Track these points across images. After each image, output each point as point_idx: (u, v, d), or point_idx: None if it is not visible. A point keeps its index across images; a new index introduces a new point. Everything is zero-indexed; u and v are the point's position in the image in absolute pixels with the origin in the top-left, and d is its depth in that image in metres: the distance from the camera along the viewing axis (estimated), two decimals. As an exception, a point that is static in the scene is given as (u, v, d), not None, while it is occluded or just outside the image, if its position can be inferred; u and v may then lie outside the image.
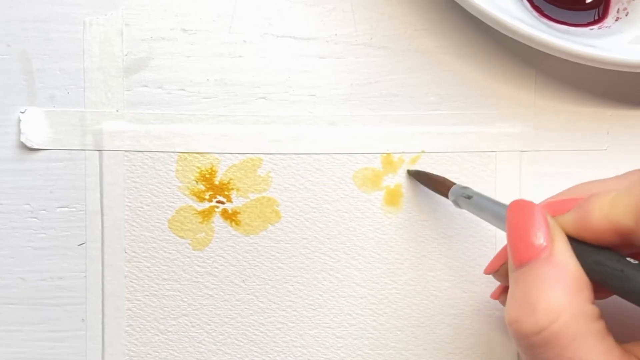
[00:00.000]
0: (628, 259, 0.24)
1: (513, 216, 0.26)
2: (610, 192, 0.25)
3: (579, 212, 0.25)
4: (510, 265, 0.26)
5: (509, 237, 0.26)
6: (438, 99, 0.35)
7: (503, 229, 0.28)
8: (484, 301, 0.35)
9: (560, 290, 0.24)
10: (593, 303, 0.24)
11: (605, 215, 0.24)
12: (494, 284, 0.35)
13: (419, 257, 0.35)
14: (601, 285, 0.25)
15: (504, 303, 0.32)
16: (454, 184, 0.32)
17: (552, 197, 0.29)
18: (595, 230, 0.25)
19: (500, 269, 0.30)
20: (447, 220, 0.35)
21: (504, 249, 0.30)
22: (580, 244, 0.25)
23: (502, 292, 0.32)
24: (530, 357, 0.24)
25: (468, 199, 0.30)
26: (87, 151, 0.35)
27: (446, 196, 0.32)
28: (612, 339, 0.24)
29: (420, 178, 0.34)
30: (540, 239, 0.25)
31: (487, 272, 0.31)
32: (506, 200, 0.35)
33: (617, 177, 0.28)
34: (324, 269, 0.35)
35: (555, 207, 0.27)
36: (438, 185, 0.33)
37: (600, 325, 0.24)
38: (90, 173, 0.35)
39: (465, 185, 0.32)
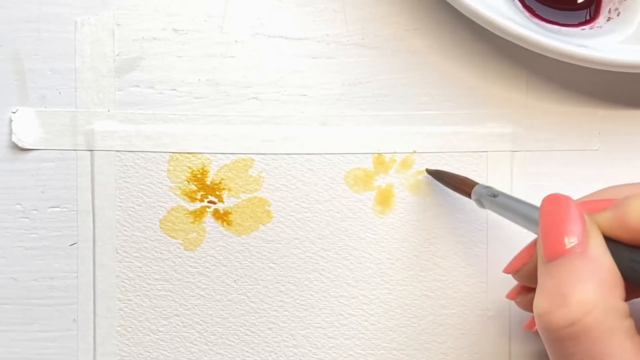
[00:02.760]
0: None
1: (548, 209, 0.25)
2: None
3: (616, 212, 0.25)
4: (541, 258, 0.25)
5: (542, 229, 0.25)
6: (429, 99, 0.34)
7: (530, 229, 0.28)
8: (476, 301, 0.35)
9: (594, 284, 0.23)
10: (625, 301, 0.24)
11: None
12: (485, 284, 0.34)
13: (410, 258, 0.34)
14: (635, 284, 0.24)
15: (521, 305, 0.31)
16: (477, 183, 0.31)
17: (584, 197, 0.29)
18: (632, 230, 0.24)
19: (521, 269, 0.29)
20: (439, 221, 0.34)
21: (526, 249, 0.29)
22: (615, 243, 0.25)
23: (520, 293, 0.31)
24: (558, 351, 0.23)
25: (493, 197, 0.30)
26: (78, 151, 0.34)
27: (468, 195, 0.31)
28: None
29: (440, 177, 0.34)
30: (575, 232, 0.24)
31: (507, 271, 0.30)
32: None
33: None
34: (315, 269, 0.34)
35: (590, 206, 0.27)
36: (460, 184, 0.32)
37: (630, 323, 0.23)
38: (81, 173, 0.34)
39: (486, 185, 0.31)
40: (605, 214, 0.25)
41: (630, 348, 0.22)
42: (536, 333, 0.30)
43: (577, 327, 0.22)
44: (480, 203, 0.31)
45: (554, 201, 0.25)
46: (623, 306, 0.23)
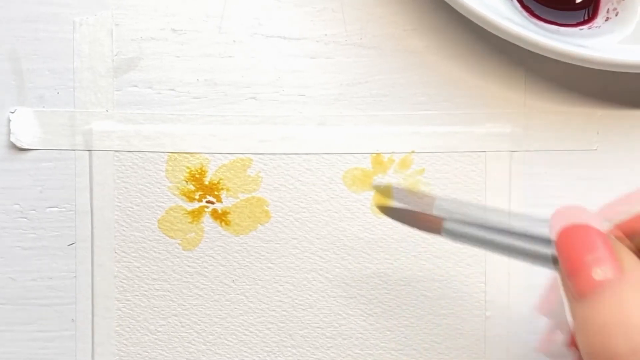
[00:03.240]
0: None
1: (566, 242, 0.23)
2: None
3: None
4: (572, 297, 0.23)
5: (567, 265, 0.23)
6: (428, 99, 0.34)
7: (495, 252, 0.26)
8: (474, 301, 0.34)
9: None
10: None
11: None
12: (483, 284, 0.34)
13: (408, 258, 0.34)
14: None
15: (551, 356, 0.28)
16: (442, 220, 0.27)
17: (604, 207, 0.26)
18: None
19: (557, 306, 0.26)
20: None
21: (553, 284, 0.27)
22: None
23: (549, 342, 0.28)
24: None
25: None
26: (76, 151, 0.34)
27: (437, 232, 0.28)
28: None
29: (396, 216, 0.30)
30: (605, 259, 0.22)
31: (540, 312, 0.27)
32: (495, 203, 0.33)
33: None
34: (313, 269, 0.34)
35: (611, 210, 0.25)
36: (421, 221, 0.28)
37: None
38: (80, 173, 0.34)
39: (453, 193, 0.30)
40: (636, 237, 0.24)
41: None
42: (551, 354, 0.28)
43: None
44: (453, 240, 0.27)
45: (570, 233, 0.23)
46: None
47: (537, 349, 0.28)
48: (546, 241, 0.24)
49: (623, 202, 0.25)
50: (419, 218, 0.28)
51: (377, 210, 0.32)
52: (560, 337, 0.27)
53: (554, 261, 0.24)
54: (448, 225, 0.27)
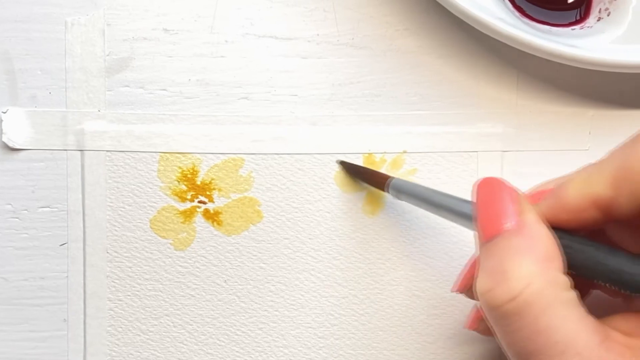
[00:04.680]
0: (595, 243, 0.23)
1: (482, 192, 0.25)
2: (580, 175, 0.24)
3: (555, 196, 0.24)
4: (479, 240, 0.24)
5: (479, 212, 0.24)
6: (419, 99, 0.34)
7: (439, 214, 0.28)
8: (466, 301, 0.34)
9: (531, 258, 0.22)
10: (566, 274, 0.23)
11: (581, 190, 0.24)
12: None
13: (400, 257, 0.34)
14: (572, 270, 0.24)
15: (483, 332, 0.30)
16: (388, 177, 0.31)
17: (531, 190, 0.28)
18: (573, 208, 0.24)
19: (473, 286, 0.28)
20: (429, 221, 0.34)
21: (473, 263, 0.29)
22: (556, 231, 0.24)
23: (478, 320, 0.29)
24: (504, 329, 0.23)
25: (397, 197, 0.30)
26: (68, 151, 0.33)
27: (382, 188, 0.31)
28: (585, 309, 0.23)
29: (354, 170, 0.33)
30: (510, 211, 0.24)
31: (457, 290, 0.29)
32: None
33: (584, 166, 0.27)
34: (305, 269, 0.34)
35: (534, 197, 0.26)
36: (373, 177, 0.32)
37: (572, 294, 0.22)
38: (71, 173, 0.33)
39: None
40: (545, 201, 0.25)
41: (575, 318, 0.22)
42: (482, 331, 0.29)
43: (518, 301, 0.22)
44: (397, 196, 0.31)
45: (487, 184, 0.25)
46: (563, 278, 0.23)
47: (467, 327, 0.29)
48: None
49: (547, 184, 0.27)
50: (371, 174, 0.33)
51: (340, 168, 0.34)
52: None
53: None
54: (394, 181, 0.30)
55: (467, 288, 0.29)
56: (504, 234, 0.23)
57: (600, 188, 0.23)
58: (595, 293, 0.26)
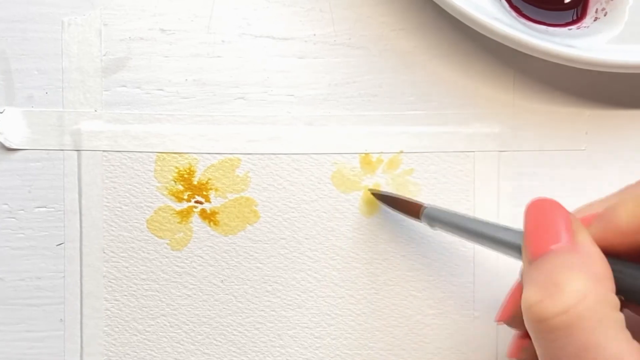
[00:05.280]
0: None
1: (532, 212, 0.25)
2: (631, 194, 0.24)
3: (604, 220, 0.24)
4: (526, 260, 0.24)
5: (527, 231, 0.24)
6: (416, 99, 0.34)
7: (476, 242, 0.27)
8: (463, 301, 0.34)
9: (586, 275, 0.22)
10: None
11: (633, 212, 0.23)
12: (472, 284, 0.34)
13: (397, 257, 0.34)
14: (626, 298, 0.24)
15: None
16: (422, 205, 0.30)
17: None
18: (625, 230, 0.23)
19: (517, 315, 0.27)
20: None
21: (514, 291, 0.28)
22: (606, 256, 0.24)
23: (522, 347, 0.28)
24: (549, 344, 0.22)
25: (431, 226, 0.30)
26: (65, 151, 0.33)
27: (417, 218, 0.31)
28: (629, 333, 0.22)
29: (386, 201, 0.33)
30: (562, 230, 0.23)
31: (500, 319, 0.28)
32: (484, 202, 0.33)
33: (626, 188, 0.27)
34: (302, 269, 0.34)
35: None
36: (407, 207, 0.32)
37: (621, 316, 0.22)
38: (68, 173, 0.33)
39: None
40: (594, 227, 0.24)
41: (624, 339, 0.21)
42: (511, 324, 0.28)
43: (570, 314, 0.21)
44: (431, 225, 0.30)
45: (539, 204, 0.25)
46: (614, 299, 0.22)
47: (509, 356, 0.28)
48: (517, 233, 0.26)
49: (591, 207, 0.27)
50: (402, 203, 0.32)
51: (366, 200, 0.34)
52: (529, 342, 0.27)
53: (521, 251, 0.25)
54: (427, 210, 0.30)
55: (511, 316, 0.28)
56: (557, 251, 0.23)
57: None
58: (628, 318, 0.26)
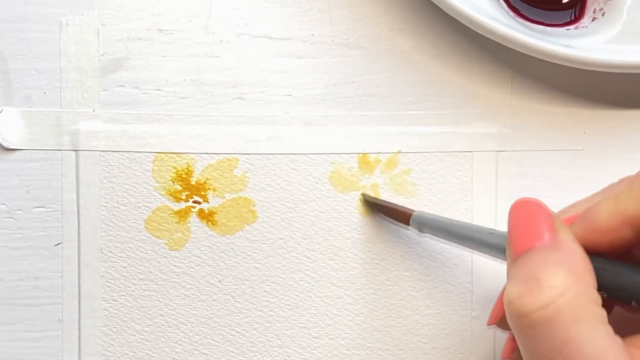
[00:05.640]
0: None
1: (515, 212, 0.25)
2: (610, 194, 0.24)
3: (587, 218, 0.24)
4: (510, 256, 0.24)
5: (511, 230, 0.24)
6: (414, 99, 0.34)
7: (465, 245, 0.28)
8: (460, 301, 0.34)
9: (566, 270, 0.22)
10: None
11: (613, 211, 0.24)
12: (470, 284, 0.34)
13: (395, 257, 0.34)
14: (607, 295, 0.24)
15: None
16: (412, 212, 0.31)
17: (559, 213, 0.28)
18: (606, 228, 0.24)
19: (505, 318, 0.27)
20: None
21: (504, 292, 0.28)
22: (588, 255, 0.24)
23: (513, 349, 0.28)
24: (529, 339, 0.22)
25: (420, 232, 0.30)
26: (63, 151, 0.33)
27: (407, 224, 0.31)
28: (612, 328, 0.22)
29: (377, 207, 0.33)
30: (544, 228, 0.24)
31: (491, 323, 0.29)
32: (482, 202, 0.33)
33: (605, 188, 0.27)
34: (300, 269, 0.34)
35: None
36: (395, 214, 0.32)
37: (602, 312, 0.22)
38: (66, 173, 0.33)
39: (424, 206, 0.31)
40: (575, 225, 0.25)
41: (604, 334, 0.22)
42: (501, 326, 0.29)
43: (550, 309, 0.21)
44: (420, 230, 0.31)
45: (523, 204, 0.25)
46: (595, 294, 0.22)
47: (502, 357, 0.28)
48: (501, 235, 0.26)
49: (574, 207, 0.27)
50: (392, 209, 0.32)
51: (361, 202, 0.34)
52: None
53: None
54: (416, 215, 0.30)
55: (500, 318, 0.28)
56: (538, 248, 0.23)
57: (632, 206, 0.23)
58: (613, 314, 0.26)
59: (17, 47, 0.33)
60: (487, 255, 0.27)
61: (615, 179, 0.33)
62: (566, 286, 0.22)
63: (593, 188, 0.34)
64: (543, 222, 0.24)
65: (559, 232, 0.24)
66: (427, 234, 0.30)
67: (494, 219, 0.34)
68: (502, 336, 0.34)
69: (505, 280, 0.33)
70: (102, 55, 0.33)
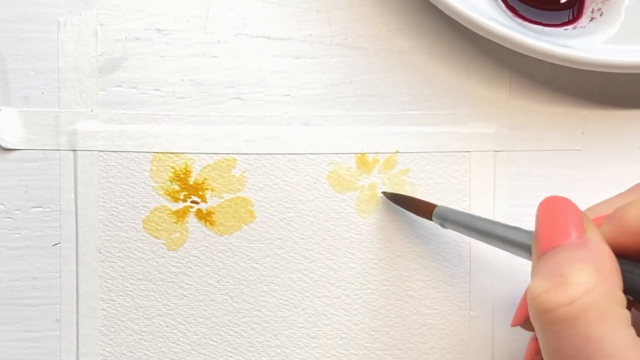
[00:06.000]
0: None
1: (544, 209, 0.25)
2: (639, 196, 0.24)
3: (614, 220, 0.24)
4: (537, 251, 0.24)
5: (539, 226, 0.24)
6: (412, 99, 0.34)
7: (488, 242, 0.27)
8: (459, 301, 0.34)
9: (593, 269, 0.22)
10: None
11: None
12: (468, 284, 0.34)
13: (393, 257, 0.34)
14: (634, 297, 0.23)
15: None
16: (435, 205, 0.31)
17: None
18: (634, 231, 0.23)
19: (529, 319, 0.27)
20: (421, 220, 0.33)
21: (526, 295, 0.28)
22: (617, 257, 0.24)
23: (538, 351, 0.28)
24: (552, 335, 0.22)
25: (444, 224, 0.30)
26: (61, 151, 0.33)
27: (429, 218, 0.31)
28: (634, 330, 0.22)
29: (398, 200, 0.33)
30: (573, 226, 0.23)
31: (515, 324, 0.28)
32: (480, 202, 0.33)
33: (633, 188, 0.27)
34: (298, 269, 0.33)
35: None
36: (419, 207, 0.32)
37: (628, 313, 0.22)
38: (64, 173, 0.33)
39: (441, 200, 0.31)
40: (606, 225, 0.24)
41: (627, 335, 0.21)
42: (525, 327, 0.28)
43: (575, 306, 0.21)
44: (442, 224, 0.30)
45: (552, 201, 0.25)
46: (621, 295, 0.22)
47: None
48: (527, 233, 0.26)
49: (600, 207, 0.27)
50: (415, 202, 0.32)
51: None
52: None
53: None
54: (438, 210, 0.30)
55: (525, 317, 0.28)
56: (566, 245, 0.23)
57: None
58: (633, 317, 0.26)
59: (15, 47, 0.33)
60: (511, 252, 0.26)
61: (613, 179, 0.33)
62: (593, 284, 0.21)
63: (591, 188, 0.34)
64: (571, 220, 0.23)
65: (587, 231, 0.23)
66: (449, 228, 0.30)
67: (492, 219, 0.33)
68: (500, 336, 0.33)
69: (504, 279, 0.33)
70: (100, 56, 0.33)
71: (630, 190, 0.27)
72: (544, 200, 0.25)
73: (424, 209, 0.31)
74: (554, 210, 0.24)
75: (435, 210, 0.30)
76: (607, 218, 0.24)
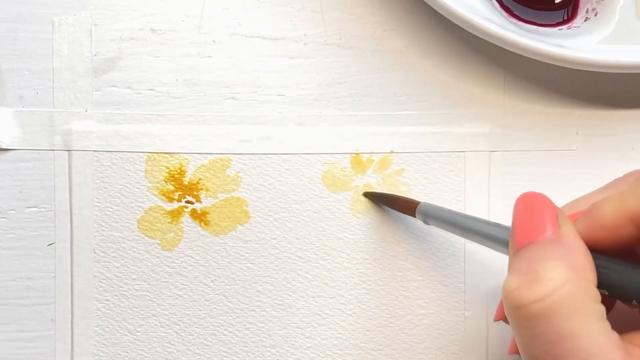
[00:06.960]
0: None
1: (520, 205, 0.24)
2: (615, 192, 0.24)
3: (589, 216, 0.24)
4: (512, 248, 0.24)
5: (514, 222, 0.24)
6: (407, 99, 0.33)
7: (469, 238, 0.27)
8: (453, 301, 0.33)
9: (566, 264, 0.22)
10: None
11: (617, 207, 0.23)
12: (462, 284, 0.33)
13: (387, 257, 0.33)
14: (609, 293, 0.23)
15: None
16: (419, 203, 0.31)
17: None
18: (609, 225, 0.23)
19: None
20: (416, 221, 0.33)
21: None
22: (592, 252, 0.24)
23: None
24: (525, 331, 0.22)
25: (425, 223, 0.30)
26: (56, 151, 0.33)
27: (412, 215, 0.31)
28: (609, 325, 0.22)
29: (380, 199, 0.33)
30: (547, 222, 0.23)
31: (496, 319, 0.29)
32: (475, 202, 0.33)
33: (611, 183, 0.27)
34: (293, 269, 0.33)
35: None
36: (402, 204, 0.32)
37: (601, 308, 0.22)
38: (59, 173, 0.33)
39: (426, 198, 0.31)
40: (579, 222, 0.24)
41: (600, 330, 0.21)
42: (507, 321, 0.28)
43: (547, 302, 0.21)
44: (425, 221, 0.30)
45: (528, 197, 0.25)
46: (594, 290, 0.22)
47: (509, 353, 0.28)
48: (506, 229, 0.26)
49: (577, 203, 0.27)
50: (398, 200, 0.32)
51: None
52: None
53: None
54: (422, 207, 0.30)
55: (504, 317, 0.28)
56: (541, 241, 0.23)
57: (636, 204, 0.23)
58: (614, 311, 0.26)
59: (9, 47, 0.33)
60: (490, 248, 0.26)
61: (608, 179, 0.33)
62: (564, 280, 0.21)
63: (586, 188, 0.33)
64: (547, 216, 0.24)
65: (562, 226, 0.23)
66: (432, 224, 0.30)
67: (487, 218, 0.33)
68: (495, 336, 0.33)
69: (498, 279, 0.33)
70: (95, 56, 0.33)
71: (607, 186, 0.27)
72: (521, 197, 0.25)
73: (407, 207, 0.31)
74: (530, 206, 0.24)
75: (418, 207, 0.30)
76: (583, 214, 0.25)
